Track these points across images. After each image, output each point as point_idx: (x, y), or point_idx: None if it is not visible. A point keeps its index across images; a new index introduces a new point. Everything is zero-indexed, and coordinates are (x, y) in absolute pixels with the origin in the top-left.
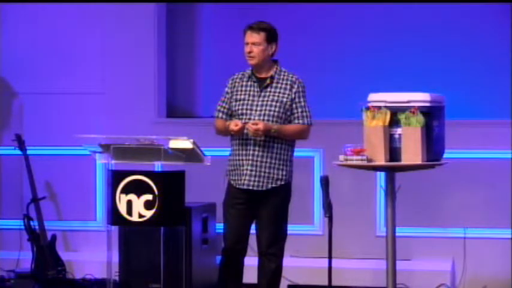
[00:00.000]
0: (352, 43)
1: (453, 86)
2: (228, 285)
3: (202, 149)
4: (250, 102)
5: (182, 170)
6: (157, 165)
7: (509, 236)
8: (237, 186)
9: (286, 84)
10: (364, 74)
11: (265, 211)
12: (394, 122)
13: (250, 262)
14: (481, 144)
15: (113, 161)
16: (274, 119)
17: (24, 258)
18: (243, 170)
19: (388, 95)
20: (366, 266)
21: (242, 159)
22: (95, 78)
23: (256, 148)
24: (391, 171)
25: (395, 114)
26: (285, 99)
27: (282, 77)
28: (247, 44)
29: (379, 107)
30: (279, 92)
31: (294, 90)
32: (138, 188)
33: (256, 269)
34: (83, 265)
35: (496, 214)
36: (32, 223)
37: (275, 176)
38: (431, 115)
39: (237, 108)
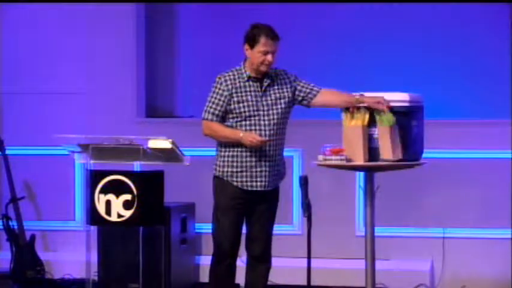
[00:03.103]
0: (333, 44)
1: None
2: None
3: (181, 149)
4: (254, 103)
5: (161, 170)
6: (137, 165)
7: (488, 236)
8: (245, 188)
9: (281, 79)
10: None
11: (265, 212)
12: (372, 122)
13: (240, 262)
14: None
15: (92, 161)
16: (281, 116)
17: (3, 258)
18: (256, 171)
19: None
20: (345, 266)
21: (252, 161)
22: (75, 79)
23: (267, 148)
24: (369, 171)
25: (374, 114)
26: (286, 94)
27: (273, 73)
28: (268, 53)
29: (358, 107)
30: (279, 89)
31: (291, 79)
32: (117, 188)
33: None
34: (62, 265)
35: (475, 214)
36: (10, 223)
37: (281, 171)
38: (410, 115)
39: (240, 110)
